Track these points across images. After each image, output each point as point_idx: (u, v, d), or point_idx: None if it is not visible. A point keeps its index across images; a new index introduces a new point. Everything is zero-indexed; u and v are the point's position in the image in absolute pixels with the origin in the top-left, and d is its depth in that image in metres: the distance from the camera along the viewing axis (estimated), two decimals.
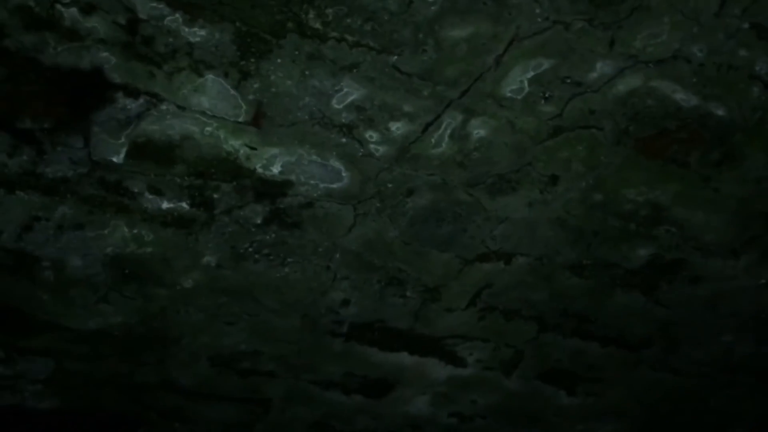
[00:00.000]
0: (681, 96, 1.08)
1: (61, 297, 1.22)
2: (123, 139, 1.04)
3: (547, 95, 1.06)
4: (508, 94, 1.05)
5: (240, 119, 1.04)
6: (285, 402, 1.49)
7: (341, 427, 1.57)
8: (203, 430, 1.52)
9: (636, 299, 1.36)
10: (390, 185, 1.15)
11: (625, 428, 1.65)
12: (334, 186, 1.15)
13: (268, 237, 1.20)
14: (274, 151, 1.09)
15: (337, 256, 1.24)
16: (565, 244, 1.27)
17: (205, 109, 1.03)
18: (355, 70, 1.00)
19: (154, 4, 0.91)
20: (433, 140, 1.10)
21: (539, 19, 0.96)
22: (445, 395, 1.51)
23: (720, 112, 1.10)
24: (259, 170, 1.11)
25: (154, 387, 1.42)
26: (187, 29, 0.93)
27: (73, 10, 0.90)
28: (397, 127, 1.08)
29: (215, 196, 1.13)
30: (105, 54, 0.94)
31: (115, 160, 1.06)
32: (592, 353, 1.45)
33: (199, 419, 1.50)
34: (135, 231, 1.16)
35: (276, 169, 1.11)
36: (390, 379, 1.46)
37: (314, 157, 1.11)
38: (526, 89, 1.05)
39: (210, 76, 0.99)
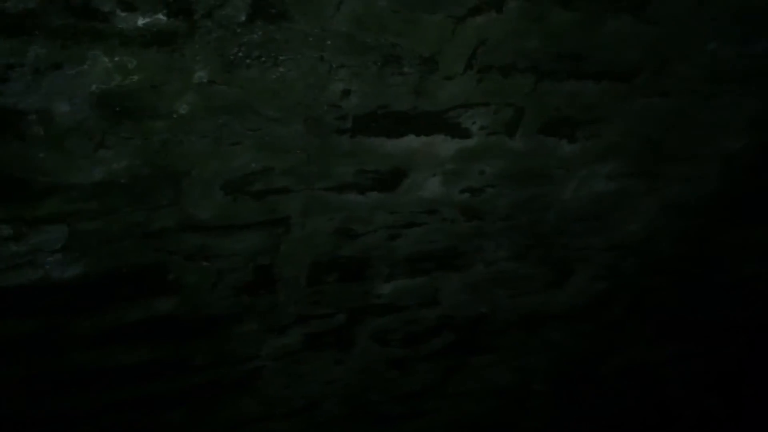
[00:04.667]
0: None
1: (57, 151, 1.16)
2: None
3: None
4: None
5: None
6: (303, 216, 1.51)
7: (361, 228, 1.60)
8: (231, 263, 1.54)
9: (625, 22, 1.36)
10: None
11: (623, 164, 1.73)
12: None
13: (255, 36, 1.14)
14: None
15: (329, 42, 1.20)
16: None
17: None
18: None
19: None
20: None
21: None
22: (454, 172, 1.54)
23: None
24: None
25: (174, 230, 1.41)
26: None
27: None
28: None
29: None
30: None
31: None
32: (588, 92, 1.48)
33: (223, 254, 1.51)
34: (116, 59, 1.08)
35: None
36: (402, 167, 1.48)
37: None
38: None
39: None
